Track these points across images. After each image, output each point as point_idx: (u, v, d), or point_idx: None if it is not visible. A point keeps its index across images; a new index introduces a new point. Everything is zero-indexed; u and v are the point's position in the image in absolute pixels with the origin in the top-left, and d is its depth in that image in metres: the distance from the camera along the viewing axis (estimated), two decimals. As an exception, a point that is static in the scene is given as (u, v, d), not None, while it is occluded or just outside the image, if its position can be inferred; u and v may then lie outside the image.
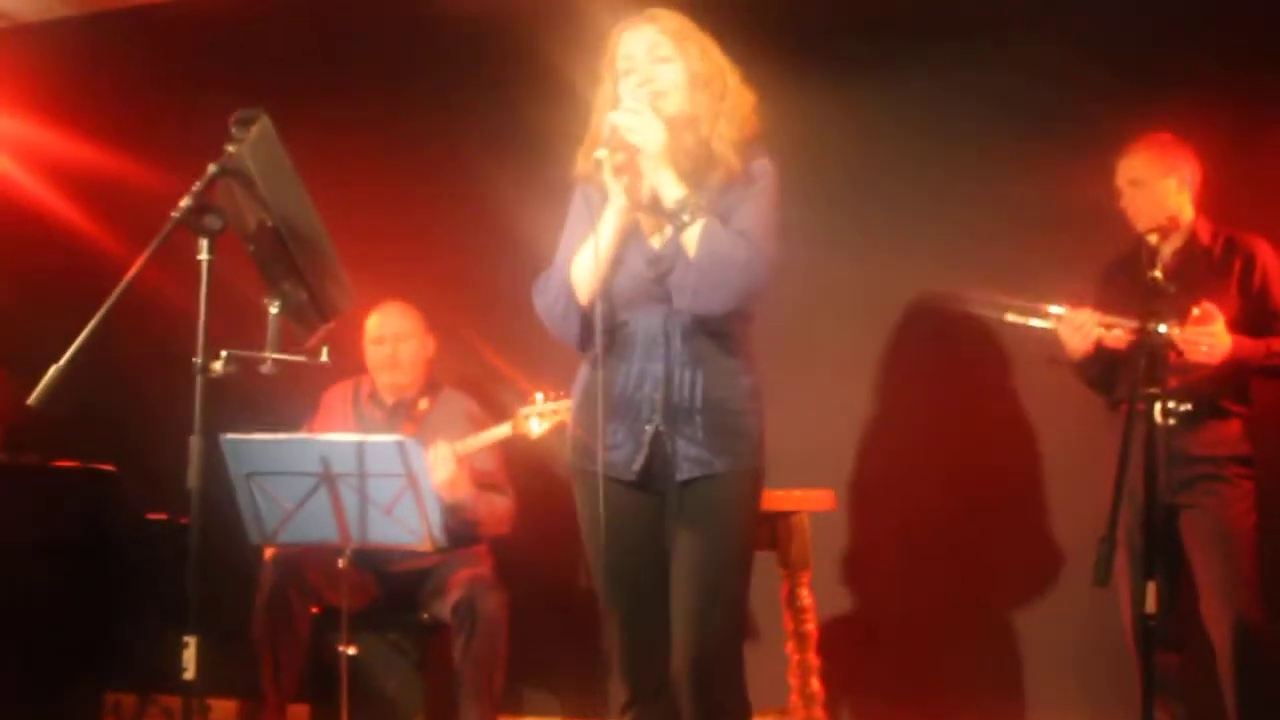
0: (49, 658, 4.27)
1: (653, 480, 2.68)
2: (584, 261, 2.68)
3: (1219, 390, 3.70)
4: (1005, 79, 4.47)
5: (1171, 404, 3.62)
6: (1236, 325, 3.67)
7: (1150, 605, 2.91)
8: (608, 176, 2.59)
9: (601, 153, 2.56)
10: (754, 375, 2.73)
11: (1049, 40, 4.44)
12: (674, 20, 2.71)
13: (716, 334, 2.67)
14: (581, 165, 2.71)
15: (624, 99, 2.64)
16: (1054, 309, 3.72)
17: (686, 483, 2.64)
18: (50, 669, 4.27)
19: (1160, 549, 3.72)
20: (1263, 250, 3.78)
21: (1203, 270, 3.77)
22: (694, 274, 2.58)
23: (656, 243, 2.68)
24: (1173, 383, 3.52)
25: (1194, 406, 3.65)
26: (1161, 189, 3.79)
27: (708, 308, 2.60)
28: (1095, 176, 3.99)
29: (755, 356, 2.76)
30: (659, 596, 2.69)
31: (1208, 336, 3.55)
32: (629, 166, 2.61)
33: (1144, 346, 3.09)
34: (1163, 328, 3.38)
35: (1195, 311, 3.56)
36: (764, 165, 2.71)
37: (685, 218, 2.58)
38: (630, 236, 2.70)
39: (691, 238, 2.57)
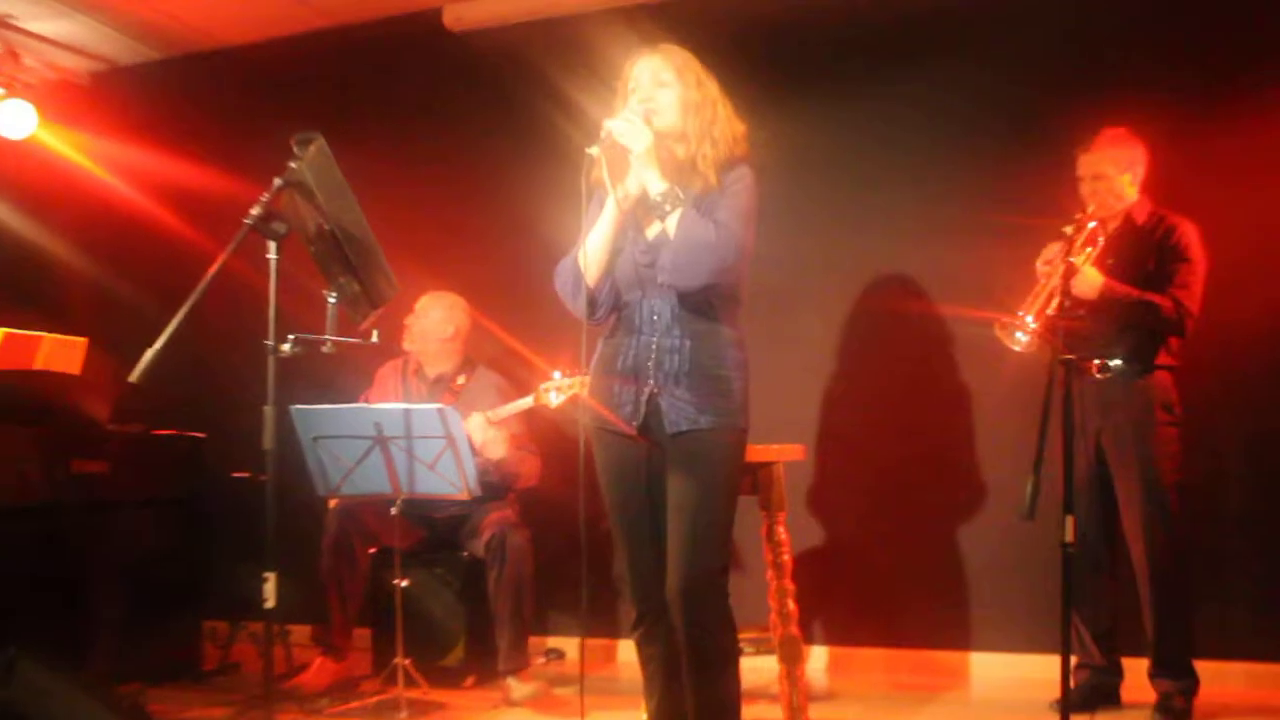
0: (156, 594, 4.28)
1: (650, 434, 2.65)
2: (587, 247, 2.66)
3: (1138, 346, 3.67)
4: (964, 94, 4.45)
5: (1104, 360, 3.64)
6: (1151, 282, 3.65)
7: (1068, 535, 2.90)
8: (603, 173, 2.58)
9: (594, 149, 2.54)
10: (740, 349, 2.68)
11: (1007, 54, 4.41)
12: (679, 55, 2.67)
13: (705, 313, 2.63)
14: (586, 173, 2.67)
15: (622, 111, 2.61)
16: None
17: (676, 435, 2.61)
18: (157, 603, 4.28)
19: (1097, 488, 3.74)
20: (1181, 228, 3.70)
21: (1134, 242, 3.73)
22: (671, 252, 2.56)
23: (650, 233, 2.65)
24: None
25: (1124, 362, 3.64)
26: (1121, 183, 3.75)
27: (685, 282, 2.57)
28: (1045, 173, 3.95)
29: (743, 335, 2.71)
30: (659, 531, 2.66)
31: (1070, 277, 3.45)
32: (620, 165, 2.59)
33: (1060, 322, 3.08)
34: None
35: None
36: (742, 171, 2.66)
37: (667, 207, 2.57)
38: (630, 229, 2.67)
39: (672, 223, 2.57)
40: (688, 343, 2.62)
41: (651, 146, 2.55)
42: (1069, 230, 3.27)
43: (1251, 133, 4.03)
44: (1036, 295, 3.49)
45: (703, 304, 2.63)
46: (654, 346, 2.64)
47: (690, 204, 2.58)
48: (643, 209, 2.64)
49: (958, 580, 4.45)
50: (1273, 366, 4.07)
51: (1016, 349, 3.45)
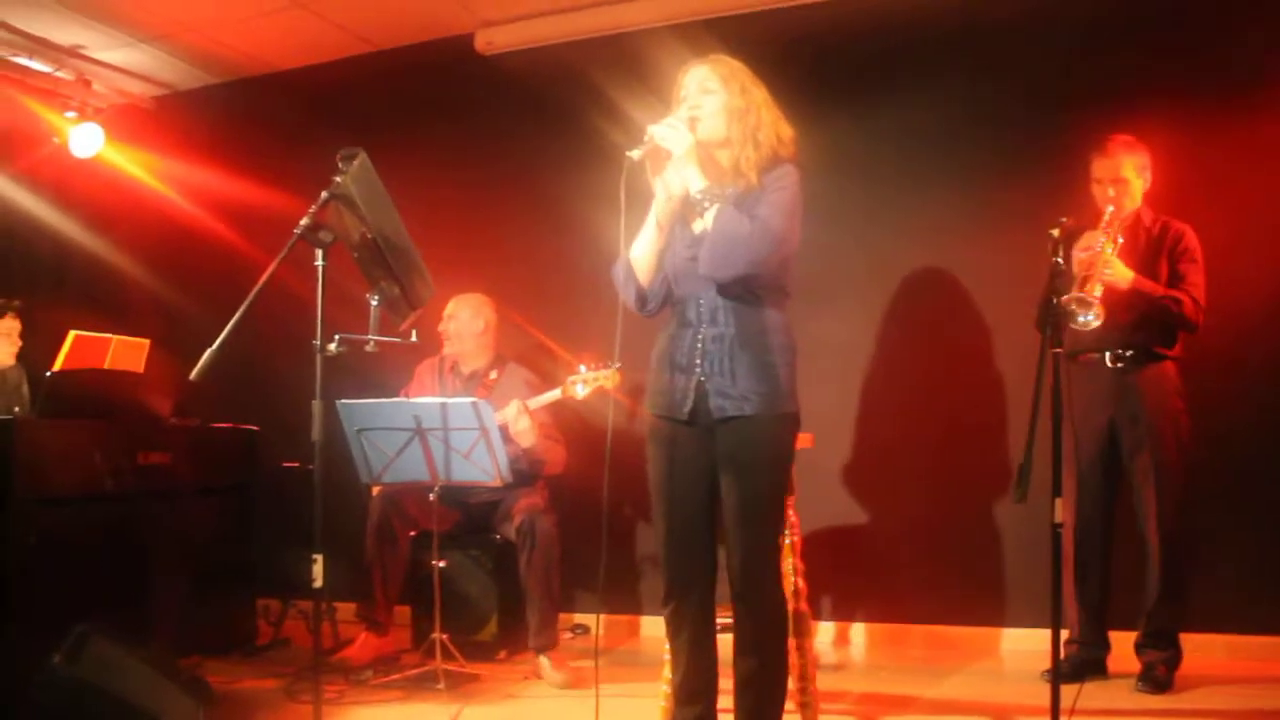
0: (215, 575, 4.31)
1: (699, 419, 2.61)
2: (637, 244, 2.67)
3: (1151, 339, 3.67)
4: (983, 104, 4.46)
5: (1120, 351, 3.63)
6: (1161, 283, 3.66)
7: (1058, 516, 2.87)
8: (649, 175, 2.58)
9: (634, 153, 2.52)
10: (785, 335, 2.62)
11: (1023, 67, 4.40)
12: (726, 64, 2.65)
13: (750, 303, 2.59)
14: (626, 176, 2.58)
15: (665, 117, 2.60)
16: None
17: (724, 421, 2.57)
18: (216, 583, 4.31)
19: (1102, 473, 3.74)
20: (1188, 233, 3.72)
21: (1144, 244, 3.73)
22: (707, 245, 2.55)
23: (696, 229, 2.63)
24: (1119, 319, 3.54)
25: (1134, 353, 3.63)
26: (1136, 188, 3.75)
27: (721, 273, 2.55)
28: (1052, 177, 3.97)
29: (789, 322, 2.65)
30: (698, 513, 2.64)
31: (1106, 266, 3.52)
32: (662, 166, 2.58)
33: (1050, 317, 3.04)
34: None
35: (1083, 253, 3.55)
36: (784, 170, 2.60)
37: (706, 204, 2.55)
38: (679, 226, 2.66)
39: (710, 218, 2.55)
40: (732, 331, 2.59)
41: (693, 148, 2.54)
42: (1055, 233, 3.23)
43: (1248, 137, 4.05)
44: (1085, 280, 3.50)
45: (747, 294, 2.59)
46: (701, 337, 2.61)
47: (730, 201, 2.56)
48: (688, 207, 2.62)
49: (957, 559, 4.44)
50: (1269, 360, 4.06)
51: (1094, 324, 3.42)
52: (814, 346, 4.53)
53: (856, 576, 4.56)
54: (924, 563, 4.48)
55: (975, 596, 4.41)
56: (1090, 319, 3.42)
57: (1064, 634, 3.68)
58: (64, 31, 5.14)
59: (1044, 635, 2.88)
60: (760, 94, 2.64)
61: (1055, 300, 3.06)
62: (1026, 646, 4.16)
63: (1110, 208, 3.65)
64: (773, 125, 2.63)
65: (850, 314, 4.64)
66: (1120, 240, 3.62)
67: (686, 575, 2.66)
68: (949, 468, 4.48)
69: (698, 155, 2.57)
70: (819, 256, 4.54)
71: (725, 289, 2.58)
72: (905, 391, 4.56)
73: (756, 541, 2.57)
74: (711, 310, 2.61)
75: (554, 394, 4.16)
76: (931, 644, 4.43)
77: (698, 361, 2.60)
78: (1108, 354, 3.70)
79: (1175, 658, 3.67)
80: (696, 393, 2.60)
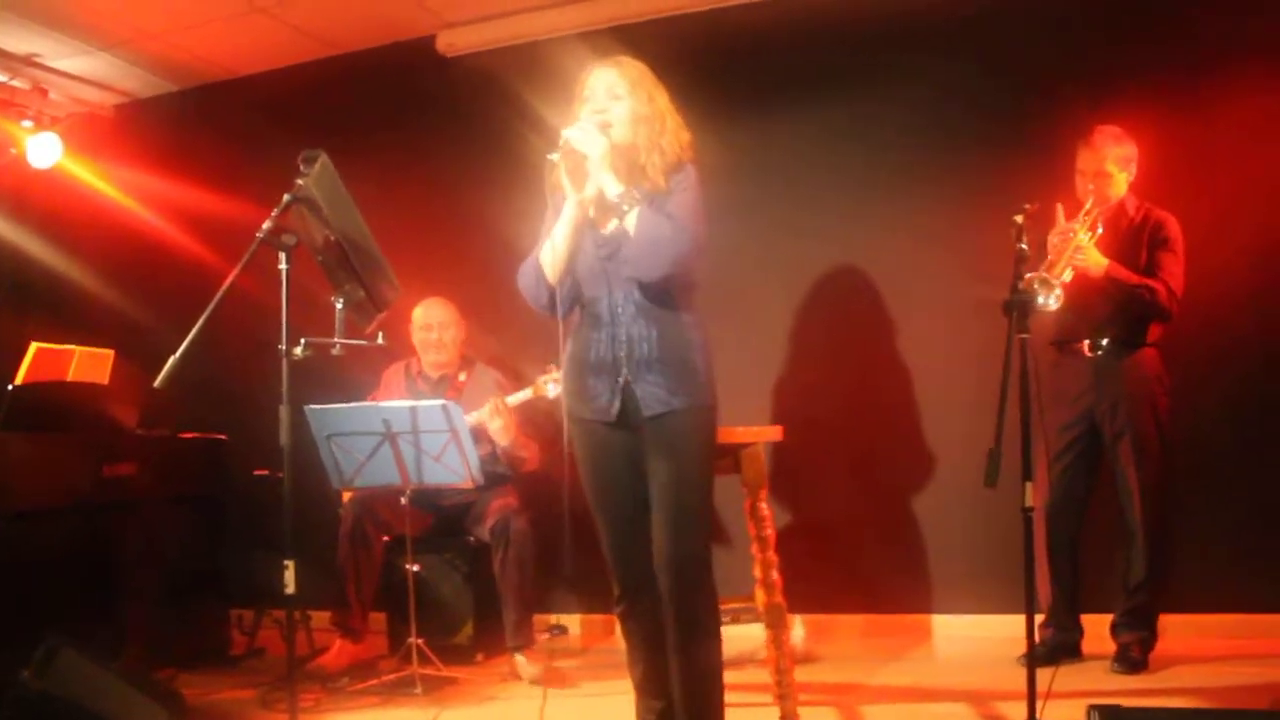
0: (186, 586, 4.26)
1: (627, 420, 2.62)
2: (547, 246, 2.66)
3: (1127, 328, 3.69)
4: (920, 96, 4.45)
5: (1097, 340, 3.69)
6: (1142, 271, 3.68)
7: (1028, 501, 2.88)
8: (563, 178, 2.58)
9: (554, 156, 2.55)
10: (701, 331, 2.66)
11: (969, 58, 4.41)
12: (633, 69, 2.66)
13: (666, 302, 2.60)
14: (549, 179, 2.61)
15: (578, 119, 2.61)
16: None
17: (652, 419, 2.59)
18: (187, 594, 4.27)
19: (1076, 458, 3.77)
20: (1169, 222, 3.74)
21: (1125, 232, 3.74)
22: (633, 248, 2.56)
23: (608, 230, 2.64)
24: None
25: (1114, 341, 3.67)
26: (1119, 180, 3.76)
27: (648, 274, 2.56)
28: (1021, 162, 3.99)
29: (702, 318, 2.68)
30: (638, 512, 2.64)
31: (1079, 251, 3.55)
32: (578, 170, 2.59)
33: (1016, 302, 3.03)
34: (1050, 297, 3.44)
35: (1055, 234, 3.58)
36: (687, 171, 2.64)
37: (625, 207, 2.56)
38: (586, 228, 2.65)
39: (631, 221, 2.56)
40: (654, 331, 2.60)
41: (607, 152, 2.56)
42: (1019, 219, 3.23)
43: (1220, 117, 4.06)
44: (1052, 264, 3.53)
45: (663, 294, 2.61)
46: (624, 337, 2.61)
47: (646, 203, 2.58)
48: (599, 209, 2.63)
49: (928, 549, 4.46)
50: (1248, 343, 4.07)
51: (1052, 306, 3.46)
52: (780, 340, 4.61)
53: (830, 569, 4.54)
54: (891, 552, 4.48)
55: (946, 584, 4.42)
56: (1050, 301, 3.45)
57: (1037, 618, 3.70)
58: (18, 40, 5.05)
59: (1016, 621, 2.88)
60: (663, 99, 2.67)
61: (1020, 285, 3.07)
62: (998, 633, 4.16)
63: (1089, 201, 3.67)
64: (675, 131, 2.66)
65: (816, 306, 4.63)
66: (1100, 230, 3.64)
67: (634, 574, 2.68)
68: (919, 457, 4.49)
69: (610, 159, 2.58)
70: (785, 251, 4.58)
71: (647, 290, 2.59)
72: (874, 381, 4.57)
73: (690, 530, 2.58)
74: (630, 311, 2.61)
75: (525, 393, 4.15)
76: (902, 633, 4.42)
77: (622, 362, 2.61)
78: (1086, 342, 3.72)
79: (1150, 639, 3.69)
80: (623, 393, 2.61)
